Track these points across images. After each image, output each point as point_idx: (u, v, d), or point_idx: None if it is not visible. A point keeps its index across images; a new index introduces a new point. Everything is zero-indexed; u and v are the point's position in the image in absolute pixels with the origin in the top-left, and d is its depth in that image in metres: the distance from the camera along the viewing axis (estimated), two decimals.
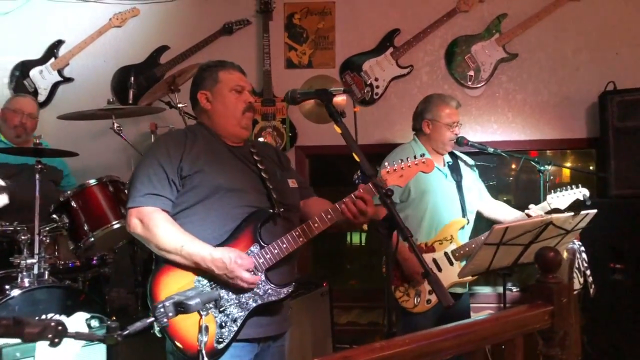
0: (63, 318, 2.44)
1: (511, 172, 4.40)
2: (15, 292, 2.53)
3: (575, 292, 3.08)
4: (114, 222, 2.86)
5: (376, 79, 4.05)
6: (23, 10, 4.31)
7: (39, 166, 2.70)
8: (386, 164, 2.19)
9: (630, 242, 3.26)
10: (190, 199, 2.07)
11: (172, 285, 1.95)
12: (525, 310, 1.66)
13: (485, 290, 4.13)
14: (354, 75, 4.08)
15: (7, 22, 4.33)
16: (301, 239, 2.06)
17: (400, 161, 2.13)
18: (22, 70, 4.29)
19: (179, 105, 3.44)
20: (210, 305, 1.88)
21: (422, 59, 4.07)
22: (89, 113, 3.12)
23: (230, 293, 2.00)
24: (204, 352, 1.66)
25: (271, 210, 2.10)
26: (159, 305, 1.40)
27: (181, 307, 1.40)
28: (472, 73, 3.99)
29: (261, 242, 2.05)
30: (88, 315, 2.30)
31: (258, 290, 2.03)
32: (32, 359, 2.13)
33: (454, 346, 1.39)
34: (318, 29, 4.13)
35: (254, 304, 2.02)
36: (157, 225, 2.00)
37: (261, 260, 2.04)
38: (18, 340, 2.14)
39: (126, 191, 2.99)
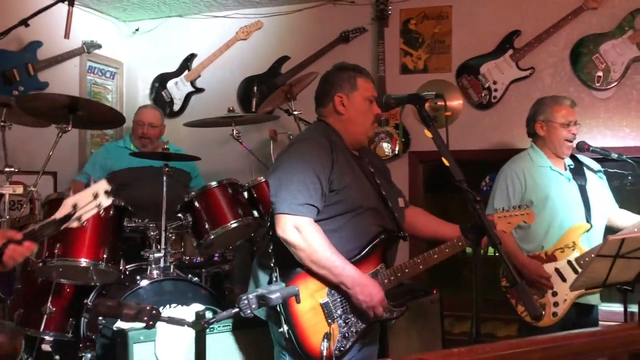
0: (181, 308, 2.66)
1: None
2: (144, 283, 2.80)
3: None
4: (232, 222, 3.05)
5: (494, 82, 3.93)
6: (161, 28, 4.76)
7: (166, 169, 2.96)
8: (498, 207, 2.37)
9: None
10: (330, 211, 2.15)
11: (306, 291, 2.08)
12: (634, 327, 1.54)
13: (614, 307, 3.81)
14: (471, 79, 3.99)
15: (148, 39, 4.80)
16: (421, 267, 2.18)
17: (511, 209, 2.28)
18: (160, 82, 4.73)
19: (295, 113, 3.60)
20: (338, 314, 2.07)
21: (544, 60, 3.88)
22: (211, 121, 3.36)
23: (355, 308, 2.12)
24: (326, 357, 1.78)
25: (396, 234, 2.24)
26: (243, 298, 1.51)
27: (262, 300, 1.49)
28: (600, 74, 3.72)
29: (387, 263, 2.19)
30: (203, 307, 2.49)
31: None
32: (153, 343, 2.35)
33: (540, 359, 1.33)
34: (434, 34, 4.10)
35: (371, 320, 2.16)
36: (314, 238, 2.07)
37: (385, 281, 2.17)
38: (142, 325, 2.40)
39: (245, 193, 3.21)
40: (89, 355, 2.74)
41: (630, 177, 3.30)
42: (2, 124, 3.06)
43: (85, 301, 3.04)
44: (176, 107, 4.66)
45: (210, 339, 2.48)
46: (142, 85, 4.82)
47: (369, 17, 4.24)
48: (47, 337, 2.99)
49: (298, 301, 1.72)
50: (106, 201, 1.82)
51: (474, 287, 1.52)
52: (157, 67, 4.76)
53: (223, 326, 2.49)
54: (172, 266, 2.99)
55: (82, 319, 3.02)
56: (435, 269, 4.62)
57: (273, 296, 1.49)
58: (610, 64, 3.70)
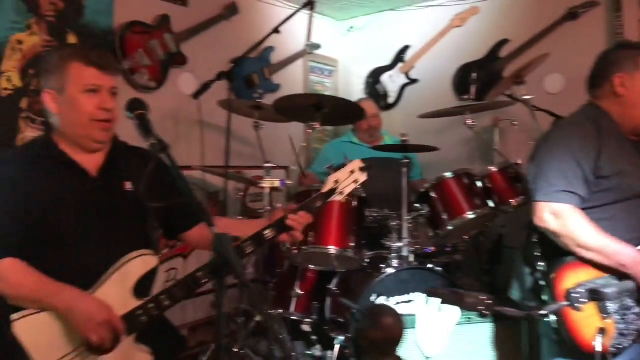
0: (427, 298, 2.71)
1: None
2: (390, 271, 2.90)
3: None
4: (469, 213, 3.04)
5: None
6: (374, 23, 4.88)
7: (406, 160, 3.03)
8: None
9: None
10: (602, 199, 2.04)
11: (576, 280, 1.93)
12: None
13: None
14: None
15: (361, 35, 4.96)
16: None
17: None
18: (374, 76, 4.87)
19: (525, 98, 3.44)
20: (614, 309, 1.87)
21: None
22: (445, 111, 3.37)
23: (634, 302, 1.94)
24: (599, 354, 1.67)
25: None
26: (573, 291, 1.46)
27: (595, 295, 1.44)
28: None
29: None
30: None
31: None
32: (413, 330, 2.42)
33: None
34: None
35: None
36: (576, 223, 1.99)
37: None
38: (405, 312, 2.49)
39: (479, 183, 3.18)
40: (341, 338, 2.92)
41: None
42: (255, 124, 3.39)
43: (328, 286, 3.26)
44: (391, 100, 4.76)
45: (468, 329, 2.52)
46: (357, 81, 5.00)
47: None
48: (294, 318, 3.27)
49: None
50: (362, 176, 2.04)
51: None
52: (370, 62, 4.91)
53: (481, 317, 2.47)
54: (411, 256, 3.05)
55: (326, 302, 3.23)
56: None
57: (608, 290, 1.43)
58: None
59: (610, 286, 1.45)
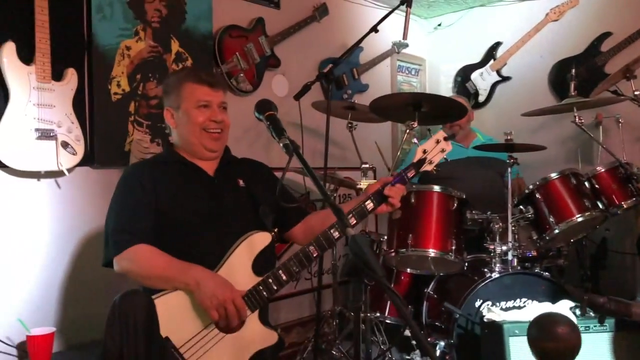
0: (538, 304, 2.58)
1: None
2: (494, 275, 2.79)
3: None
4: (577, 216, 2.88)
5: None
6: (463, 21, 4.76)
7: (511, 160, 2.91)
8: None
9: None
10: None
11: None
12: None
13: None
14: None
15: (449, 33, 4.85)
16: None
17: None
18: (463, 75, 4.74)
19: (637, 93, 3.24)
20: None
21: None
22: (551, 108, 3.23)
23: None
24: None
25: None
26: None
27: None
28: None
29: None
30: (572, 304, 2.38)
31: None
32: (524, 337, 2.30)
33: None
34: None
35: None
36: None
37: None
38: (516, 319, 2.38)
39: (586, 183, 3.02)
40: (442, 343, 2.84)
41: None
42: (349, 125, 3.36)
43: (426, 290, 3.18)
44: (481, 98, 4.62)
45: (586, 338, 2.37)
46: (445, 80, 4.89)
47: None
48: (388, 321, 3.22)
49: None
50: (448, 146, 2.12)
51: None
52: (458, 60, 4.78)
53: (600, 326, 2.33)
54: (515, 259, 2.93)
55: (424, 307, 3.16)
56: None
57: None
58: None
59: None
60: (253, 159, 2.36)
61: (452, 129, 3.87)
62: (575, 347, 1.94)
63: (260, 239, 1.96)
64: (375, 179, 4.39)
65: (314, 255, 1.89)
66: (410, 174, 2.10)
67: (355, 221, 2.00)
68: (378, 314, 3.15)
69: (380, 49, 4.43)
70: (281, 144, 1.65)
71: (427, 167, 2.13)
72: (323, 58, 4.03)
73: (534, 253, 3.26)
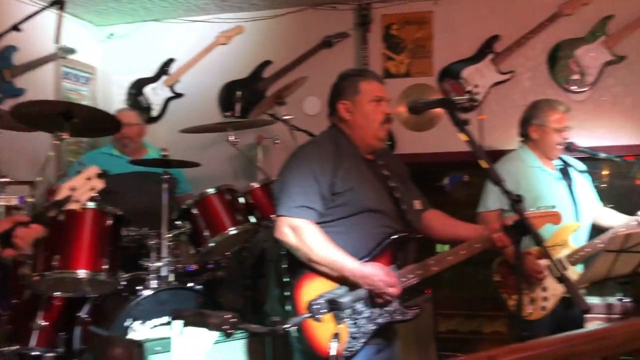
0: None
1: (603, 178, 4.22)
2: (147, 293, 2.74)
3: None
4: (231, 229, 3.03)
5: (476, 86, 4.04)
6: (137, 33, 4.65)
7: (166, 176, 2.90)
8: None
9: None
10: (336, 213, 2.18)
11: (314, 291, 2.06)
12: None
13: (593, 300, 3.98)
14: (453, 83, 4.09)
15: (123, 44, 4.69)
16: (434, 268, 2.21)
17: (536, 209, 2.27)
18: (137, 87, 4.63)
19: (285, 118, 3.60)
20: (346, 315, 2.00)
21: (523, 64, 4.01)
22: (208, 126, 3.34)
23: (365, 307, 2.11)
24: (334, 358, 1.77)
25: (407, 235, 2.23)
26: (314, 303, 1.51)
27: (333, 304, 1.50)
28: (576, 77, 3.88)
29: (398, 265, 2.18)
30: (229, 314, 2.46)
31: (389, 309, 2.14)
32: (168, 354, 2.30)
33: (595, 350, 1.39)
34: (416, 39, 4.18)
35: (382, 321, 2.14)
36: (310, 237, 2.10)
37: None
38: (161, 335, 2.35)
39: (241, 199, 3.20)
40: None
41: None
42: None
43: (78, 314, 2.96)
44: (154, 113, 4.57)
45: (225, 347, 2.47)
46: (117, 91, 4.69)
47: (350, 22, 4.27)
48: (34, 353, 2.89)
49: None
50: (99, 184, 2.00)
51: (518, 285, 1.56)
52: (132, 72, 4.65)
53: (241, 332, 2.45)
54: (172, 275, 2.93)
55: (74, 332, 2.93)
56: None
57: (343, 300, 1.50)
58: (585, 68, 3.86)
59: (346, 295, 1.54)
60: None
61: (122, 142, 3.73)
62: None
63: None
64: (31, 194, 3.95)
65: None
66: (51, 213, 1.95)
67: None
68: (18, 347, 2.80)
69: (41, 51, 4.02)
70: None
71: (73, 206, 1.98)
72: None
73: (195, 267, 3.33)
